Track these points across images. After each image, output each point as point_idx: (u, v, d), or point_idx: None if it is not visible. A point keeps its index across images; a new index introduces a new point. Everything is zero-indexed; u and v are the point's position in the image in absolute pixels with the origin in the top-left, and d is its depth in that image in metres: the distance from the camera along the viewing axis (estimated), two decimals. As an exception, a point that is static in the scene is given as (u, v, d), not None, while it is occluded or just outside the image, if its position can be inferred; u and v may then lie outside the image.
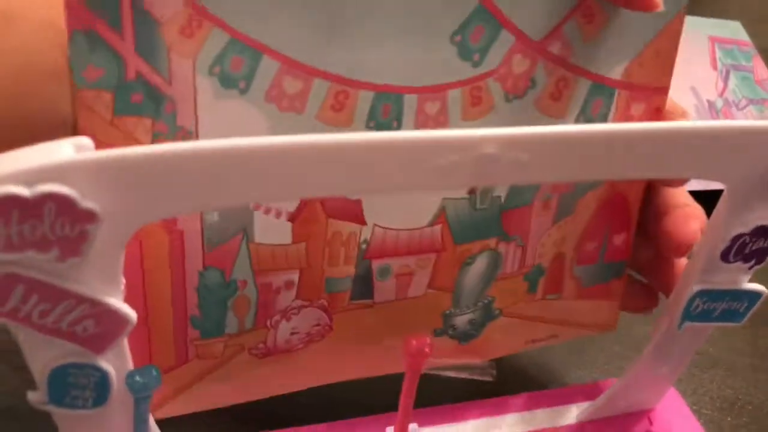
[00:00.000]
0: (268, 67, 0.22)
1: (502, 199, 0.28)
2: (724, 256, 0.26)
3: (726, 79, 0.53)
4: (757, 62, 0.58)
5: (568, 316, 0.33)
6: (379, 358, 0.28)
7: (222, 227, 0.25)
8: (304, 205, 0.25)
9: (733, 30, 0.61)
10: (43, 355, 0.21)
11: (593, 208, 0.31)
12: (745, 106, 0.51)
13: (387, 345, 0.25)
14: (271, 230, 0.25)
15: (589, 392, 0.32)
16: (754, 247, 0.26)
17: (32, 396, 0.21)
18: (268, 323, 0.27)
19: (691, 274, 0.27)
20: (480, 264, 0.29)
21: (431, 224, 0.28)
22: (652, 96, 0.29)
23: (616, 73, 0.28)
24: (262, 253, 0.26)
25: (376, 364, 0.29)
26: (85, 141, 0.18)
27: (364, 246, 0.27)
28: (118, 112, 0.21)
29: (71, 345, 0.20)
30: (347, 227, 0.26)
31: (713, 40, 0.57)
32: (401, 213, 0.27)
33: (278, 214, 0.25)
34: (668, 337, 0.28)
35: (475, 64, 0.25)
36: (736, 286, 0.27)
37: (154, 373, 0.21)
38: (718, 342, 0.39)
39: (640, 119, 0.29)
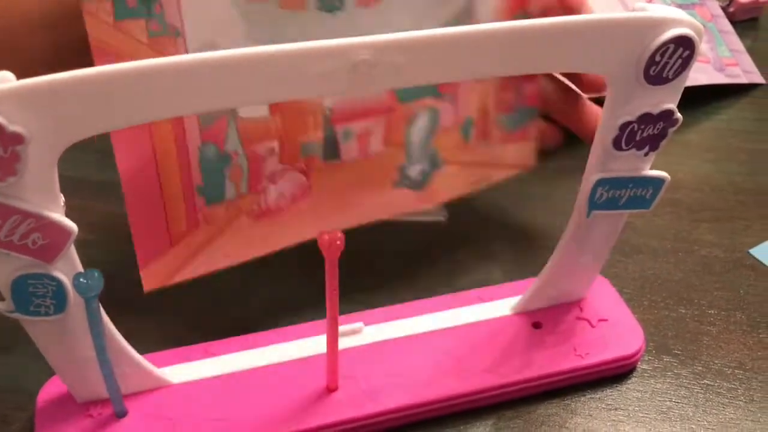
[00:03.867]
0: None
1: None
2: (616, 144, 0.28)
3: (657, -15, 0.52)
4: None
5: (497, 159, 0.40)
6: (351, 212, 0.35)
7: None
8: None
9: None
10: (2, 269, 0.24)
11: None
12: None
13: (355, 200, 0.32)
14: (252, 106, 0.31)
15: (523, 288, 0.35)
16: (644, 134, 0.28)
17: (1, 305, 0.25)
18: (259, 187, 0.33)
19: (591, 166, 0.29)
20: (423, 120, 0.36)
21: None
22: None
23: None
24: (248, 126, 0.31)
25: (348, 218, 0.35)
26: (8, 75, 0.21)
27: (328, 113, 0.33)
28: (118, 17, 0.26)
29: (25, 258, 0.24)
30: None
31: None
32: None
33: None
34: (581, 226, 0.31)
35: None
36: (636, 174, 0.29)
37: (96, 275, 0.24)
38: (642, 230, 0.41)
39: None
